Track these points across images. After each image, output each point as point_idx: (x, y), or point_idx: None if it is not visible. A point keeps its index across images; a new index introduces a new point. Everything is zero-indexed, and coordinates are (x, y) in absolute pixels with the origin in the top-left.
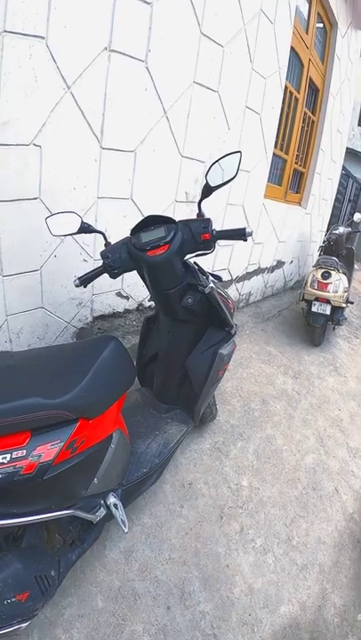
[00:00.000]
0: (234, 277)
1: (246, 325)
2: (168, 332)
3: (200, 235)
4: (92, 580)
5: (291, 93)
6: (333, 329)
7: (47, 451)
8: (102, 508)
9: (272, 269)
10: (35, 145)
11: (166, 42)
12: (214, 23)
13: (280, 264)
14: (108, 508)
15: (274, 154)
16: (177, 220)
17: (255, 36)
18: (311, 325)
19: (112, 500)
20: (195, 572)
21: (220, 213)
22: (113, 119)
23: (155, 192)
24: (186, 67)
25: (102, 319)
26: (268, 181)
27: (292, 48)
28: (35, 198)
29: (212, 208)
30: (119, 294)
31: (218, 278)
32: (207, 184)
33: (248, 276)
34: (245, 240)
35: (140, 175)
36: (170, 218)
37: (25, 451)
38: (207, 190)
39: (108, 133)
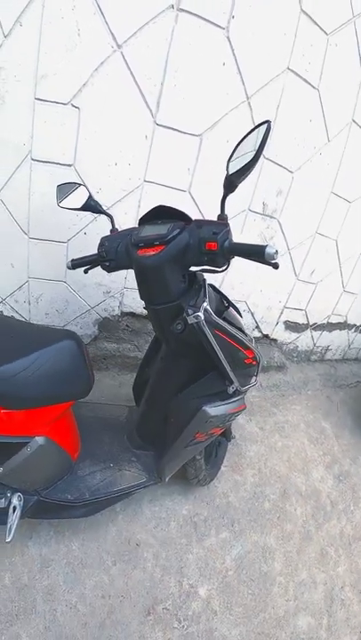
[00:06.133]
0: (311, 323)
1: (311, 384)
2: (162, 357)
3: (205, 242)
4: (10, 554)
5: None
6: None
7: None
8: (4, 501)
9: None
10: (73, 105)
11: (257, 9)
12: (318, 1)
13: None
14: (8, 505)
15: None
16: (194, 219)
17: None
18: None
19: (15, 501)
20: None
21: (307, 242)
22: (174, 92)
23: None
24: (279, 47)
25: (133, 317)
26: None
27: None
28: (69, 165)
29: (295, 234)
30: None
31: (236, 310)
32: (227, 173)
33: (329, 327)
34: (269, 264)
35: (205, 166)
36: (184, 213)
37: None
38: (227, 182)
39: (166, 108)
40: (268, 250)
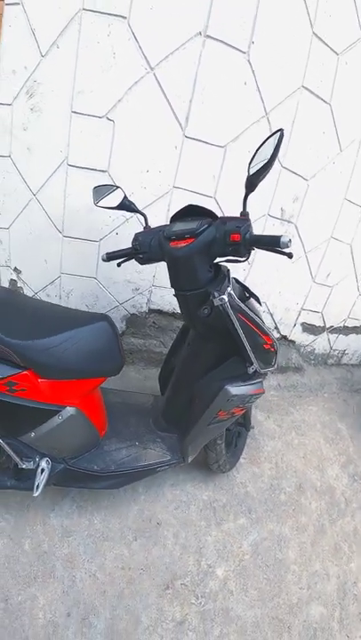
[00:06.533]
0: (328, 326)
1: (327, 388)
2: (188, 343)
3: (230, 234)
4: (32, 523)
5: None
6: None
7: None
8: (33, 464)
9: None
10: (108, 119)
11: (274, 35)
12: (328, 24)
13: None
14: (37, 467)
15: None
16: (220, 216)
17: None
18: None
19: (43, 464)
20: (107, 614)
21: (322, 246)
22: (201, 108)
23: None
24: (294, 67)
25: (160, 314)
26: None
27: None
28: (104, 171)
29: (311, 238)
30: None
31: (256, 299)
32: (248, 174)
33: (346, 330)
34: (284, 254)
35: (229, 174)
36: (211, 211)
37: None
38: (248, 182)
39: (195, 122)
40: (282, 239)
